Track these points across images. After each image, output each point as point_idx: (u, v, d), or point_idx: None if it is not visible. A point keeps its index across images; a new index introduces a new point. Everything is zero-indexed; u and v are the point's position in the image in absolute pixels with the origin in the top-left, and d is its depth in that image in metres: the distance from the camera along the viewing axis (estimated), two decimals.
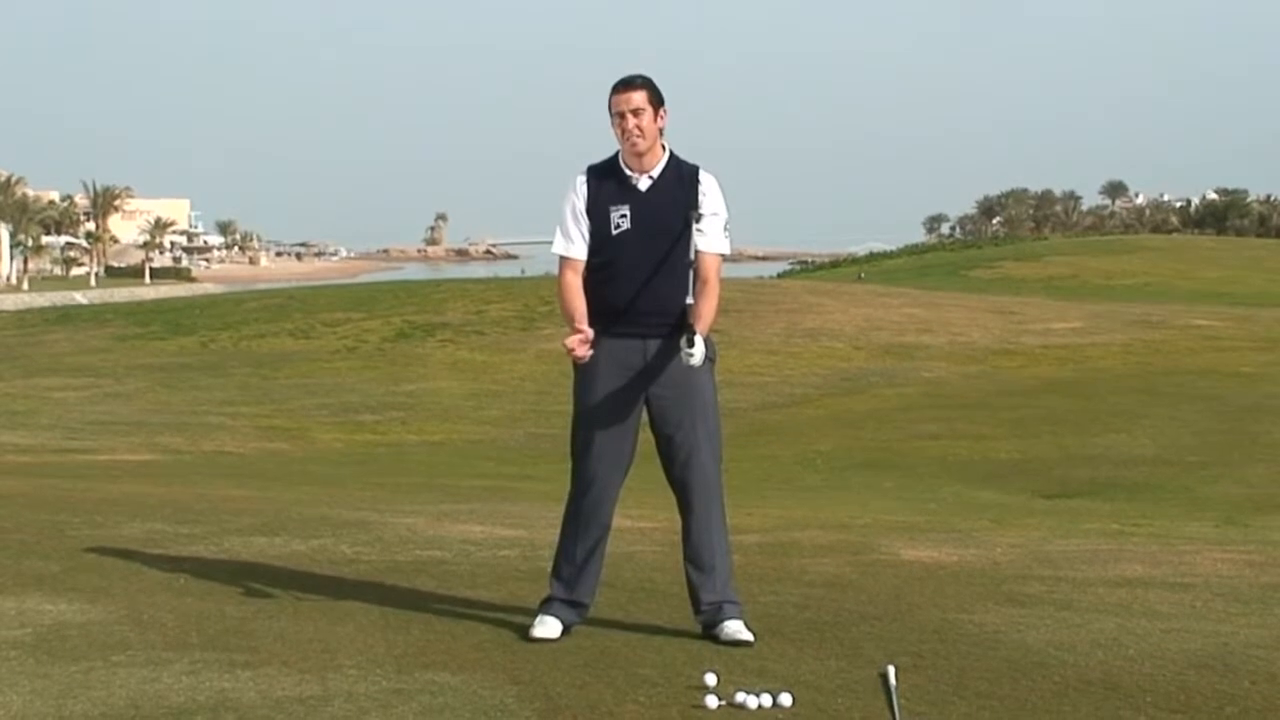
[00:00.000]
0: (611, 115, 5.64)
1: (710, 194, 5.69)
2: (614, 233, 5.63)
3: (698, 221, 5.59)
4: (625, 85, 5.64)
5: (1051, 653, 5.48)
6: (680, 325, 5.57)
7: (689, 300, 5.57)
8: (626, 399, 5.64)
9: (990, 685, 5.02)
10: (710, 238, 5.65)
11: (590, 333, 5.56)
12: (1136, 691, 4.96)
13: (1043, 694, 4.93)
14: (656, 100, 5.65)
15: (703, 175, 5.74)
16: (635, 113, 5.60)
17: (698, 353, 5.42)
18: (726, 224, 5.73)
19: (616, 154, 5.72)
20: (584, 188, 5.70)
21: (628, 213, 5.64)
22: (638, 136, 5.61)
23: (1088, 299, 54.67)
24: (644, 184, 5.67)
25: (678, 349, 5.51)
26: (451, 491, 13.01)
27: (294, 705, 4.72)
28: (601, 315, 5.62)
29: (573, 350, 5.54)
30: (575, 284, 5.69)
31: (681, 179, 5.70)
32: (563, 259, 5.73)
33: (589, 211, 5.68)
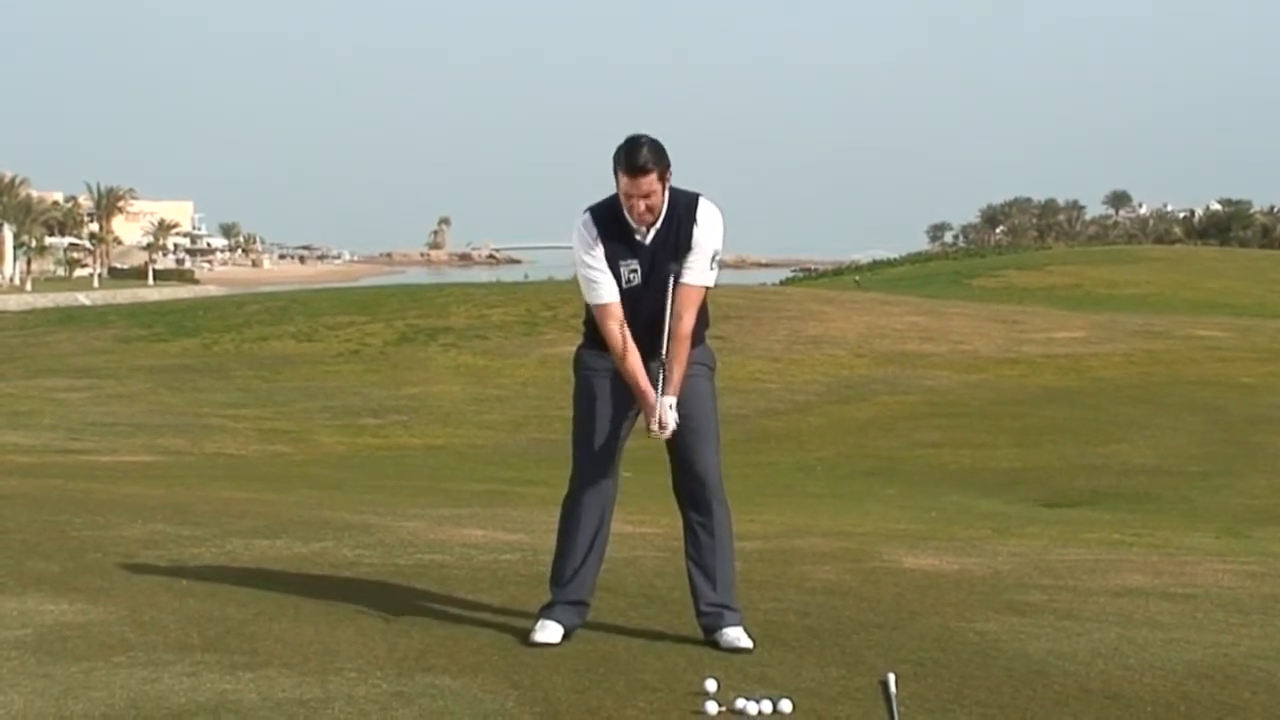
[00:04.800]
0: (618, 184, 5.49)
1: (704, 226, 5.60)
2: (625, 286, 5.61)
3: (676, 276, 5.54)
4: (637, 170, 5.42)
5: (1052, 662, 5.48)
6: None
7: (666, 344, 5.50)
8: (629, 404, 5.67)
9: (990, 694, 5.02)
10: (694, 271, 5.60)
11: (668, 403, 5.53)
12: (1137, 702, 4.96)
13: (1043, 703, 4.94)
14: (665, 172, 5.51)
15: (701, 206, 5.62)
16: (646, 196, 5.49)
17: (669, 428, 5.51)
18: (716, 255, 5.64)
19: (616, 198, 5.56)
20: (599, 242, 5.57)
21: (637, 267, 5.60)
22: (649, 218, 5.54)
23: (1090, 309, 54.70)
24: (650, 237, 5.60)
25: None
26: (453, 495, 13.00)
27: (294, 707, 4.72)
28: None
29: (665, 432, 5.52)
30: (625, 337, 5.56)
31: (678, 217, 5.59)
32: (602, 307, 5.60)
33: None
